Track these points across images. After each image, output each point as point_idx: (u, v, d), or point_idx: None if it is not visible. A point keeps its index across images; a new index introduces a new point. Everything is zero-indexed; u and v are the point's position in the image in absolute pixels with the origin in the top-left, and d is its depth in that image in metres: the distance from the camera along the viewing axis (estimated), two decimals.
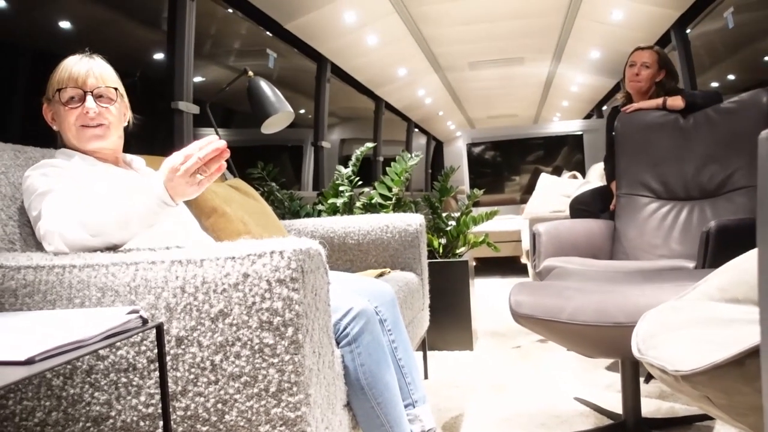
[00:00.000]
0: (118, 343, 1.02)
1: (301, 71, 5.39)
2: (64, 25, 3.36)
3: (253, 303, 0.98)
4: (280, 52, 4.74)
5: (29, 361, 0.68)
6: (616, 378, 2.21)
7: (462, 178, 7.65)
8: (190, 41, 2.86)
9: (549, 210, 4.56)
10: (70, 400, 1.04)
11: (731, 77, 5.66)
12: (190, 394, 1.00)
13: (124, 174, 1.43)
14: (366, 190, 3.08)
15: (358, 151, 3.04)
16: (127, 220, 1.14)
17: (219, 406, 1.00)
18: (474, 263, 3.56)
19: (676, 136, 2.58)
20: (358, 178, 2.99)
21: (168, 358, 1.00)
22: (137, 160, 1.53)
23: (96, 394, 1.03)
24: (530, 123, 10.58)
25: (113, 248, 1.16)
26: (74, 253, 1.13)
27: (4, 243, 1.22)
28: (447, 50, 5.99)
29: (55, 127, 1.41)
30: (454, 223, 3.08)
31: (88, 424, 1.03)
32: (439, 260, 2.94)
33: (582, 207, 3.01)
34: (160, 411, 1.01)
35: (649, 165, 2.62)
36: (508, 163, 8.22)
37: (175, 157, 1.12)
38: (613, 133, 2.80)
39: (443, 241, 3.07)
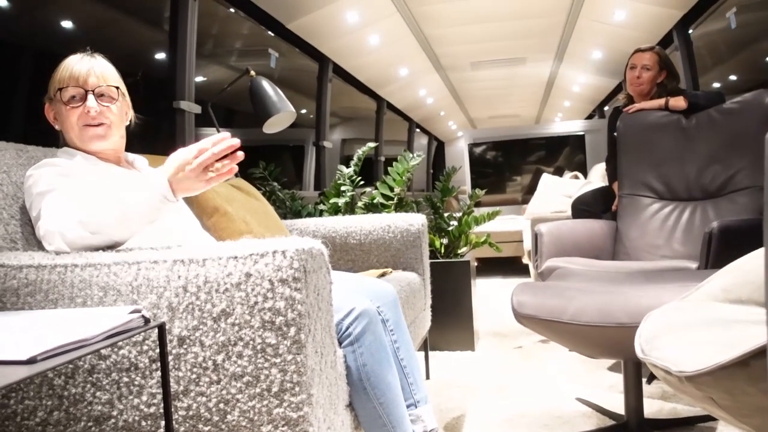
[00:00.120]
0: (120, 343, 1.01)
1: (302, 71, 5.39)
2: (66, 24, 3.36)
3: (256, 303, 0.97)
4: (281, 51, 4.74)
5: (31, 361, 0.68)
6: (618, 379, 2.21)
7: (463, 178, 7.64)
8: (192, 41, 2.86)
9: (551, 210, 4.56)
10: (72, 399, 1.03)
11: (733, 78, 5.65)
12: (192, 394, 1.00)
13: (126, 173, 1.43)
14: (368, 190, 3.08)
15: (360, 151, 3.04)
16: (127, 217, 1.14)
17: (221, 406, 0.99)
18: (475, 263, 3.56)
19: (679, 136, 2.57)
20: (359, 178, 2.99)
21: (170, 357, 1.00)
22: (139, 160, 1.53)
23: (98, 393, 1.03)
24: (532, 123, 10.58)
25: (114, 246, 1.16)
26: (75, 251, 1.13)
27: (6, 242, 1.22)
28: (449, 50, 5.99)
29: (57, 127, 1.41)
30: (455, 223, 3.08)
31: (90, 424, 1.03)
32: (441, 260, 2.93)
33: (584, 207, 3.00)
34: (161, 411, 1.01)
35: (651, 165, 2.61)
36: (510, 163, 8.21)
37: (188, 151, 1.13)
38: (615, 134, 2.80)
39: (445, 241, 3.07)
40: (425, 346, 2.44)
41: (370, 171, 6.72)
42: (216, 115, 2.58)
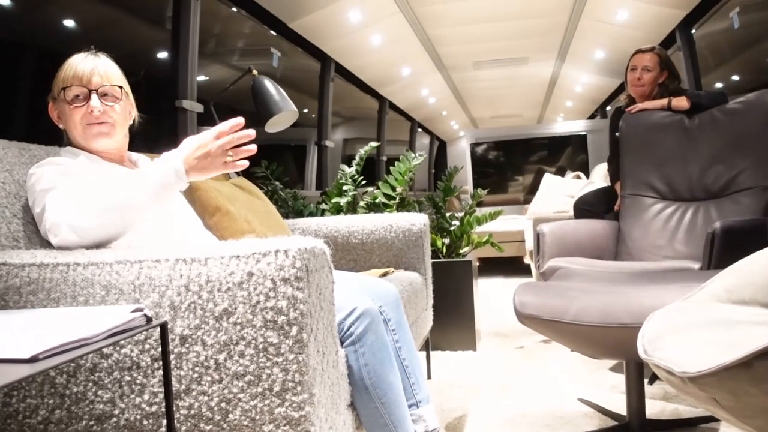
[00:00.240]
0: (122, 342, 1.01)
1: (305, 70, 5.39)
2: (69, 23, 3.36)
3: (258, 302, 0.97)
4: (284, 51, 4.74)
5: (33, 359, 0.68)
6: (620, 379, 2.20)
7: (465, 178, 7.64)
8: (194, 40, 2.87)
9: (553, 210, 4.55)
10: (74, 398, 1.03)
11: (736, 78, 5.64)
12: (194, 393, 1.00)
13: (129, 173, 1.43)
14: (369, 189, 3.08)
15: (362, 151, 3.04)
16: (136, 194, 1.17)
17: (223, 405, 0.99)
18: (477, 263, 3.55)
19: (681, 136, 2.57)
20: (361, 178, 2.99)
21: (172, 356, 1.00)
22: (143, 159, 1.53)
23: (99, 392, 1.03)
24: (534, 123, 10.58)
25: (124, 232, 1.18)
26: (84, 240, 1.15)
27: (8, 241, 1.22)
28: (451, 50, 5.99)
29: (61, 126, 1.41)
30: (457, 223, 3.07)
31: (92, 423, 1.03)
32: (443, 260, 2.93)
33: (586, 207, 3.00)
34: (163, 410, 1.01)
35: (654, 165, 2.61)
36: (512, 163, 8.20)
37: (206, 134, 1.17)
38: (617, 134, 2.79)
39: (447, 240, 3.07)
40: (427, 346, 2.44)
41: (372, 170, 6.73)
42: (218, 114, 2.58)
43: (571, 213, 3.13)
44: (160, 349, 1.00)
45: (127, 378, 1.02)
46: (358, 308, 1.24)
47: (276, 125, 2.57)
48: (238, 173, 2.50)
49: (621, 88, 6.30)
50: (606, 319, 1.42)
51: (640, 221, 2.56)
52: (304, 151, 6.57)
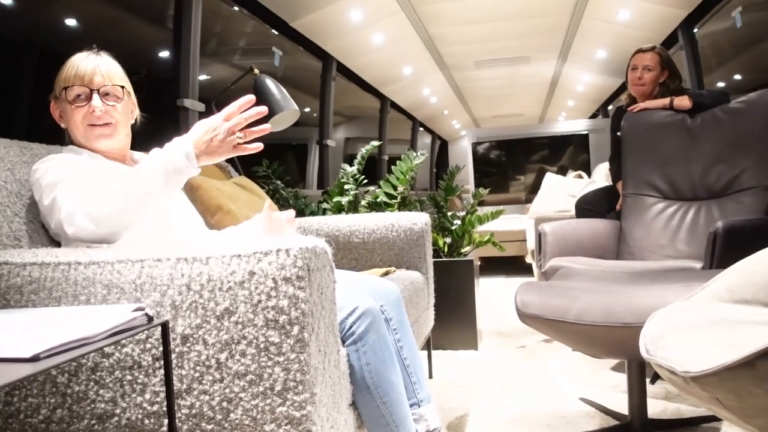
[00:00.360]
0: (124, 341, 1.01)
1: (306, 69, 5.39)
2: (70, 22, 3.36)
3: (259, 301, 0.97)
4: (285, 50, 4.74)
5: (34, 359, 0.68)
6: (621, 379, 2.20)
7: (467, 177, 7.64)
8: (195, 39, 2.87)
9: (554, 210, 4.55)
10: (75, 397, 1.03)
11: (738, 77, 5.63)
12: (195, 392, 1.00)
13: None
14: (371, 188, 3.08)
15: (363, 150, 3.03)
16: (149, 183, 1.17)
17: (224, 404, 0.99)
18: (479, 263, 3.55)
19: (683, 136, 2.57)
20: (363, 177, 2.99)
21: (173, 355, 1.00)
22: (145, 158, 1.52)
23: (101, 391, 1.03)
24: (535, 122, 10.58)
25: (138, 220, 1.19)
26: (101, 228, 1.16)
27: (9, 239, 1.22)
28: (453, 49, 5.99)
29: (62, 125, 1.41)
30: (459, 222, 3.07)
31: (93, 422, 1.03)
32: (444, 259, 2.93)
33: (588, 207, 3.00)
34: (164, 409, 1.01)
35: (655, 165, 2.60)
36: (513, 162, 8.20)
37: (216, 116, 1.18)
38: (618, 133, 2.79)
39: (448, 240, 3.06)
40: (428, 345, 2.44)
41: (373, 170, 6.73)
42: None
43: (573, 212, 3.13)
44: (161, 349, 1.00)
45: (129, 377, 1.02)
46: (359, 307, 1.24)
47: (278, 124, 2.57)
48: (239, 173, 2.50)
49: (623, 88, 6.29)
50: (608, 319, 1.42)
51: (641, 221, 2.56)
52: (306, 150, 6.57)
